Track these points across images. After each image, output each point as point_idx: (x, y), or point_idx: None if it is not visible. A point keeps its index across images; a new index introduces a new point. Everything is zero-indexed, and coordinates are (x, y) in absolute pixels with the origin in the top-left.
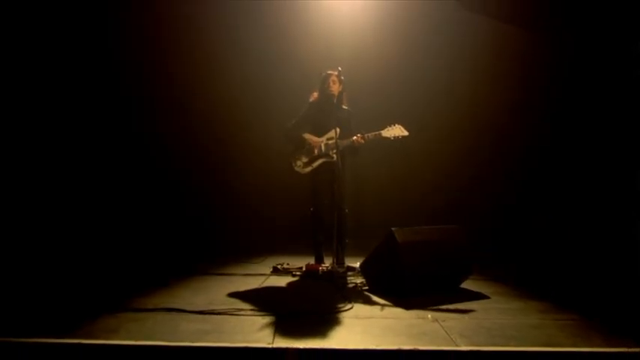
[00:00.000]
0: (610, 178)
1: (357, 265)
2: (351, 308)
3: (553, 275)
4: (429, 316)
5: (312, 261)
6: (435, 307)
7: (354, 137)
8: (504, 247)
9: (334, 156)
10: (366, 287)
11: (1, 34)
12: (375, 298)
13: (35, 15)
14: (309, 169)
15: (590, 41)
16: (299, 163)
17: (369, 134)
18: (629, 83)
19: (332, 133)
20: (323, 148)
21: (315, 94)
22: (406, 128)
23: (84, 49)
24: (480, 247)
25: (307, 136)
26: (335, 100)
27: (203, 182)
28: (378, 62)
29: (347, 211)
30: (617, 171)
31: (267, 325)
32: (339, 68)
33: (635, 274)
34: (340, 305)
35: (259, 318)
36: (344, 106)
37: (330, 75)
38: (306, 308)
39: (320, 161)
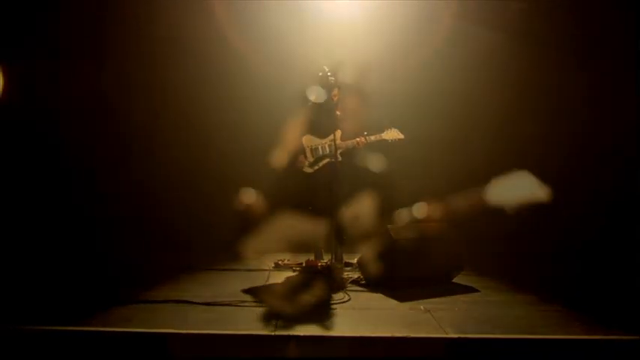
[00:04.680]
0: (609, 178)
1: (355, 260)
2: (349, 300)
3: (545, 271)
4: (422, 307)
5: (311, 257)
6: (427, 300)
7: (357, 139)
8: (499, 246)
9: (338, 157)
10: (363, 281)
11: None
12: (371, 291)
13: None
14: (315, 167)
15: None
16: (305, 162)
17: (371, 136)
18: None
19: (332, 136)
20: (327, 149)
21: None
22: (401, 132)
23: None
24: (474, 245)
25: (307, 137)
26: (334, 106)
27: (206, 184)
28: (377, 66)
29: (344, 209)
30: (616, 171)
31: (270, 315)
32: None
33: (632, 272)
34: (338, 297)
35: (262, 309)
36: (337, 112)
37: (336, 88)
38: (305, 300)
39: (325, 161)
